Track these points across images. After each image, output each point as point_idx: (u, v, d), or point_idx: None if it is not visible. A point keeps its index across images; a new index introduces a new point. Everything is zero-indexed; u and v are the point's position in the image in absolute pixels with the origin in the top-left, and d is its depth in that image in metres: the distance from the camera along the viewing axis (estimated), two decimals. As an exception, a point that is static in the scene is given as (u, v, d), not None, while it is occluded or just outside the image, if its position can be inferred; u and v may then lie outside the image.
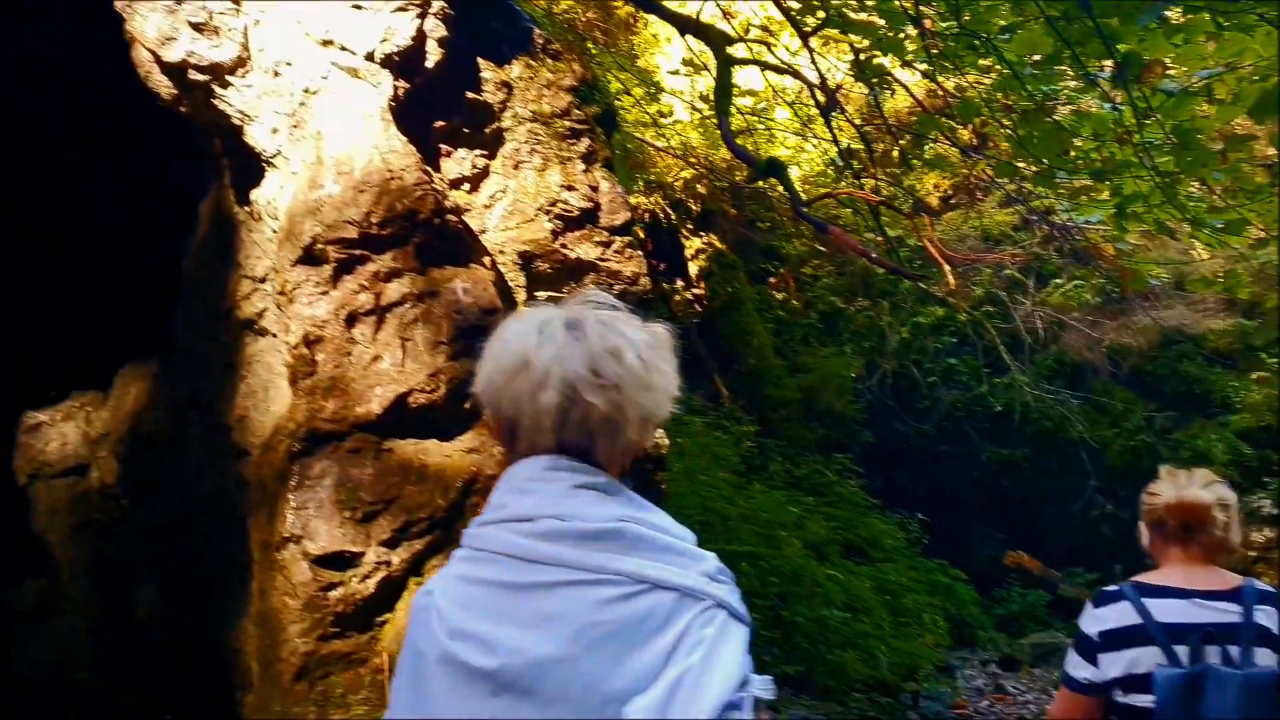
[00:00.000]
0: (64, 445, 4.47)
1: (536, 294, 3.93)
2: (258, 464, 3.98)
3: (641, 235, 9.14)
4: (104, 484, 4.35)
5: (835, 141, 6.90)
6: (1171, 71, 4.97)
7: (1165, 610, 2.41)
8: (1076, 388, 11.98)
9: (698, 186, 9.25)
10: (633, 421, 1.28)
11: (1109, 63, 4.41)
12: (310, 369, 3.74)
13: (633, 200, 9.07)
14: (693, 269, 9.39)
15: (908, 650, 8.09)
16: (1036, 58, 5.18)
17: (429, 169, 3.81)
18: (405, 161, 3.71)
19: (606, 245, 4.04)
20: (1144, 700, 2.36)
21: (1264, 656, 2.35)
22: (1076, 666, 2.53)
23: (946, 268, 6.80)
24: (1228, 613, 2.39)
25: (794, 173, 10.76)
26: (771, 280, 10.99)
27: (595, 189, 4.04)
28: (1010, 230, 12.05)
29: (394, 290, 3.70)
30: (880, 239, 7.68)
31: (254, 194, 4.05)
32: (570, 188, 3.96)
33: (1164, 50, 4.42)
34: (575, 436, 1.27)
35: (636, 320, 1.34)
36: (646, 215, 9.02)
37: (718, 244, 9.56)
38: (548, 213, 3.93)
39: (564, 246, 3.97)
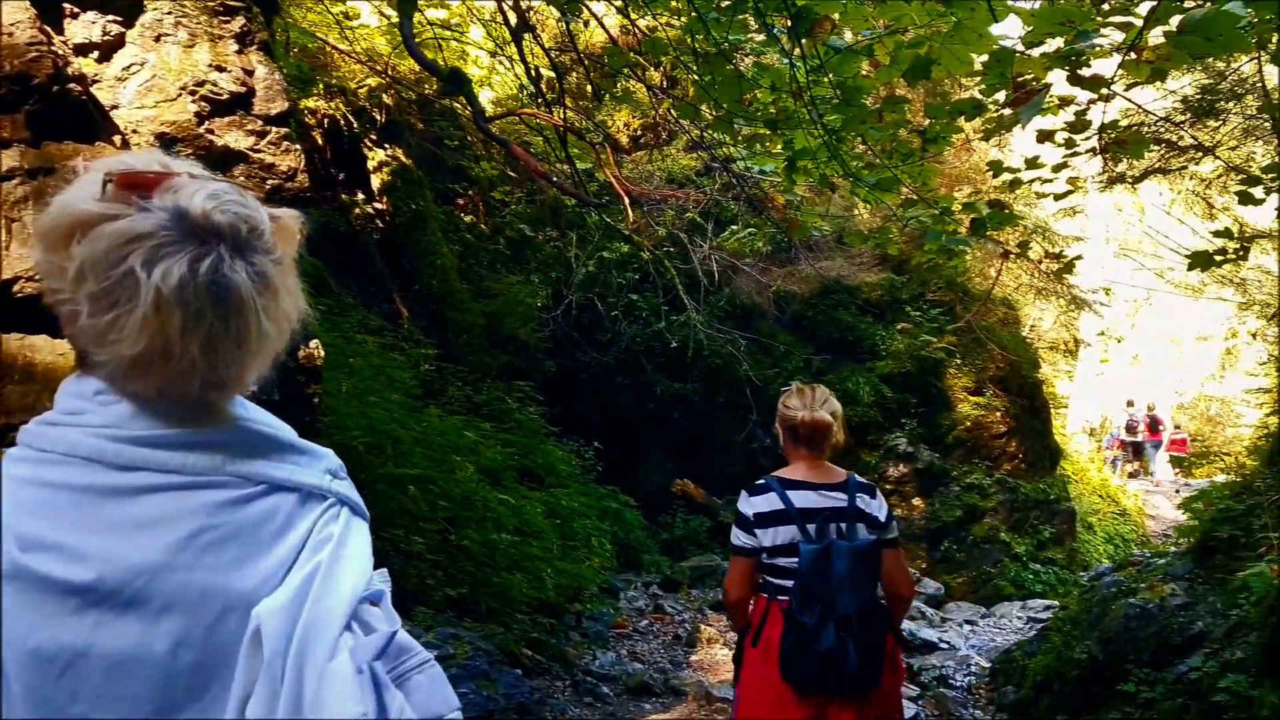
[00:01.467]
0: None
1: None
2: None
3: (320, 141, 8.68)
4: None
5: (525, 65, 6.86)
6: (848, 34, 5.29)
7: (800, 499, 3.39)
8: (745, 329, 12.83)
9: (383, 96, 8.86)
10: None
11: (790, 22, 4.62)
12: (-112, 245, 3.27)
13: (312, 104, 8.58)
14: (375, 182, 9.02)
15: (574, 573, 8.36)
16: (725, 4, 5.35)
17: (48, 29, 3.39)
18: (17, 16, 3.28)
19: (260, 135, 3.78)
20: (784, 561, 3.36)
21: (862, 530, 3.39)
22: (740, 538, 3.46)
23: (628, 202, 7.00)
24: (839, 499, 3.41)
25: (486, 95, 10.61)
26: (459, 201, 10.78)
27: (250, 73, 3.76)
28: (693, 175, 12.59)
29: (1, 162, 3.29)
30: (568, 168, 7.77)
31: None
32: (220, 68, 3.66)
33: (833, 8, 4.68)
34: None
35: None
36: (326, 120, 8.55)
37: (403, 158, 9.21)
38: (193, 93, 3.62)
39: (210, 132, 3.67)
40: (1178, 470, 26.87)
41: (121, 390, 1.12)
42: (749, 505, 3.43)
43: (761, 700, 3.39)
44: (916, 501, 13.21)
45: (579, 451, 10.96)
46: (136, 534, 1.05)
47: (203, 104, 3.64)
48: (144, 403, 1.12)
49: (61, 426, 1.11)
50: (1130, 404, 26.48)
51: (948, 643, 8.99)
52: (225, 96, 3.69)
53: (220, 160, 3.73)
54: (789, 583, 3.31)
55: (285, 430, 1.21)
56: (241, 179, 3.71)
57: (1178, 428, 27.84)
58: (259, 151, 3.77)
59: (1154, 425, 25.07)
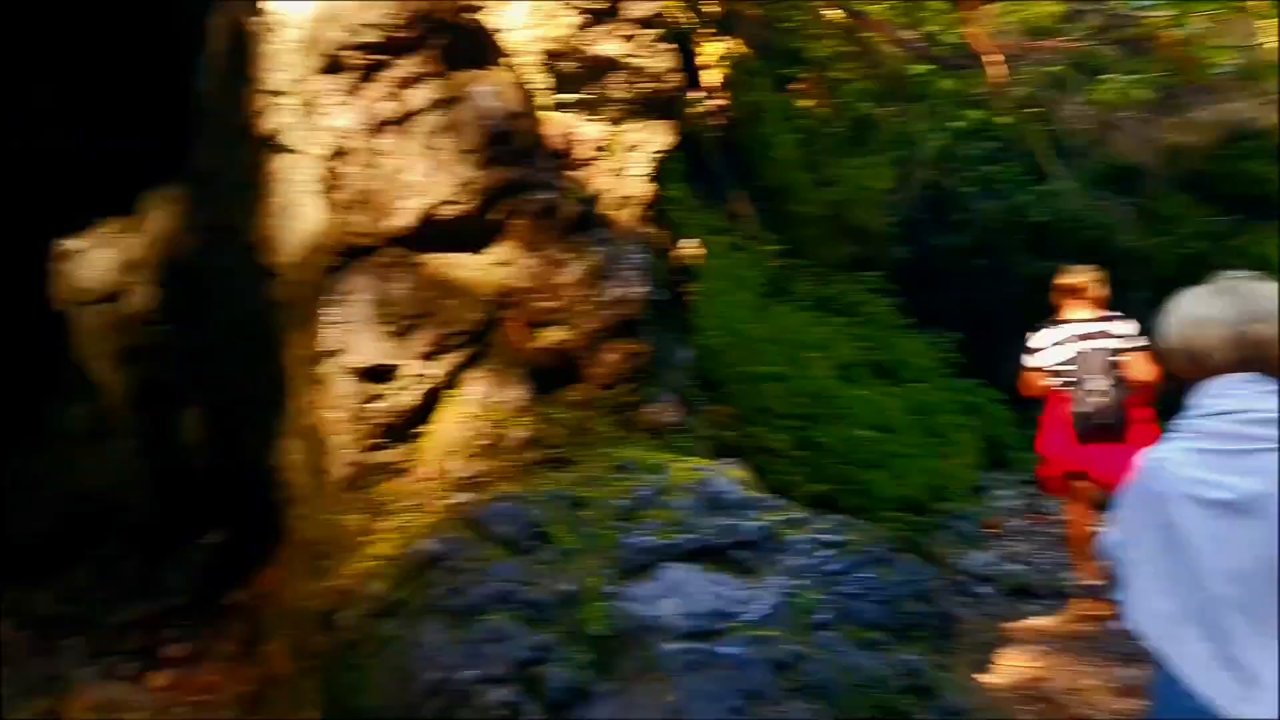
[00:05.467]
0: (98, 272, 4.78)
1: (563, 95, 4.11)
2: (290, 283, 4.26)
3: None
4: (141, 310, 4.67)
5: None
6: None
7: None
8: (1125, 193, 12.00)
9: (717, -13, 9.02)
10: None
11: None
12: (339, 182, 3.96)
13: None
14: (713, 76, 9.25)
15: (939, 470, 8.31)
16: None
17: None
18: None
19: (630, 39, 4.18)
20: None
21: None
22: None
23: (990, 58, 6.78)
24: None
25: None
26: (796, 86, 10.82)
27: (612, -20, 4.14)
28: (1055, 22, 11.78)
29: (418, 97, 3.88)
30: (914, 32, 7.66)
31: (265, 4, 4.19)
32: (589, -21, 4.08)
33: None
34: (1251, 355, 1.95)
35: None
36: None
37: (740, 48, 9.40)
38: (575, 8, 4.07)
39: (587, 43, 4.11)
40: None
41: (1216, 382, 1.99)
42: None
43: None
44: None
45: (936, 343, 10.81)
46: (1247, 476, 1.87)
47: (582, 16, 4.08)
48: (1236, 390, 1.97)
49: (1199, 417, 1.98)
50: None
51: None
52: (600, 5, 4.12)
53: (598, 69, 4.18)
54: None
55: None
56: (622, 83, 4.14)
57: None
58: (632, 56, 4.18)
59: None
